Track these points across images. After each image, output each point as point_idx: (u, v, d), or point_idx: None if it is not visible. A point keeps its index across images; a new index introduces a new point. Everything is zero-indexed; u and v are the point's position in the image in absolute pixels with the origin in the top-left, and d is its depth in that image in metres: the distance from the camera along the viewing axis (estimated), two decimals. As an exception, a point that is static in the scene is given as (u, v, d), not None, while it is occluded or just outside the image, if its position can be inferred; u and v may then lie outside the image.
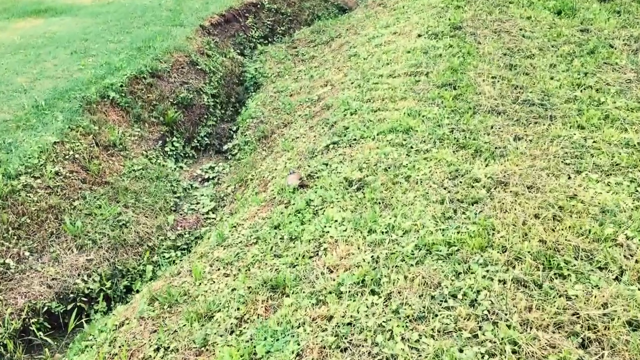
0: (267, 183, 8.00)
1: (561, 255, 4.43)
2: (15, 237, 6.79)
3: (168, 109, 10.46)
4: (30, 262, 6.65)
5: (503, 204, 5.20)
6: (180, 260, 7.24)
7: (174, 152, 10.14)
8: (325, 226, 5.56)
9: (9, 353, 5.94)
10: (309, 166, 7.13)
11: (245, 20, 15.25)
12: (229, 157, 10.43)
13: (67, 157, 8.08)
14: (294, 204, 6.28)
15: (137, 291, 6.93)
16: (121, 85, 10.11)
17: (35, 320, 6.21)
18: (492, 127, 6.71)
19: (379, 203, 5.67)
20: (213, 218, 8.34)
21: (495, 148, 6.23)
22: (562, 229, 4.75)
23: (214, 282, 5.40)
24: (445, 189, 5.63)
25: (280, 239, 5.71)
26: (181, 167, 9.98)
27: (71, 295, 6.46)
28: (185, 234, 7.96)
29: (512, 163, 5.87)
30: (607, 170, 5.60)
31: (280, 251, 5.48)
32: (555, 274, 4.26)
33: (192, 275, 5.59)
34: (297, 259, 5.23)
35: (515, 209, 5.08)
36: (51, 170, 7.63)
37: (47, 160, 7.78)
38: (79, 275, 6.64)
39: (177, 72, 11.40)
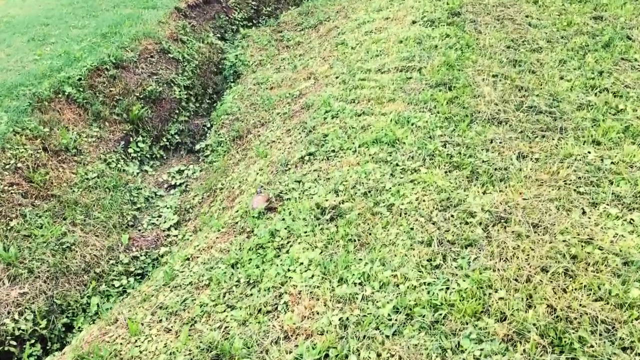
0: (235, 197, 7.07)
1: (574, 330, 3.52)
2: None
3: (133, 105, 9.47)
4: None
5: (503, 249, 4.27)
6: (126, 295, 6.35)
7: (139, 154, 9.18)
8: (289, 269, 4.66)
9: None
10: (279, 182, 6.20)
11: (227, 1, 14.13)
12: (201, 159, 9.46)
13: (7, 167, 7.13)
14: (256, 234, 5.35)
15: (80, 328, 6.05)
16: (79, 79, 9.12)
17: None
18: (491, 141, 5.75)
19: (355, 241, 4.76)
20: (175, 236, 7.42)
21: (495, 169, 5.28)
22: (576, 289, 3.83)
23: (152, 339, 4.50)
24: (434, 224, 4.71)
25: (236, 282, 4.81)
26: (146, 171, 9.04)
27: (-4, 340, 5.56)
28: (141, 255, 7.05)
29: (514, 191, 4.92)
30: (630, 202, 4.66)
31: (234, 300, 4.58)
32: (567, 359, 3.35)
33: (129, 327, 4.68)
34: (251, 314, 4.33)
35: (518, 258, 4.15)
36: (-15, 184, 6.68)
37: (-19, 172, 6.82)
38: (8, 313, 5.74)
39: (146, 62, 10.37)
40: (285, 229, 5.22)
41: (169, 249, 7.14)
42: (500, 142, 5.73)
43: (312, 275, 4.52)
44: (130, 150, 9.11)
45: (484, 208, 4.73)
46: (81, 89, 9.01)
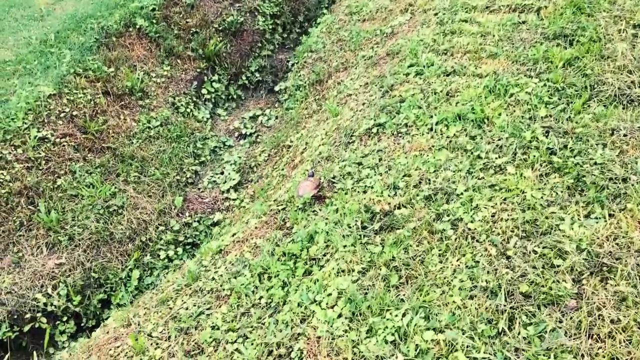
0: (296, 165, 6.17)
1: None
2: (-27, 233, 5.67)
3: (210, 38, 8.64)
4: (-13, 266, 5.52)
5: (597, 319, 3.04)
6: (178, 267, 5.82)
7: (213, 95, 8.46)
8: (314, 300, 3.75)
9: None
10: (337, 161, 5.18)
11: None
12: (279, 102, 8.56)
13: (61, 115, 6.70)
14: (293, 235, 4.46)
15: (118, 305, 5.66)
16: (153, 9, 8.40)
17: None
18: (612, 132, 4.27)
19: (400, 270, 3.71)
20: (233, 199, 6.73)
21: (609, 179, 3.88)
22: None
23: (153, 364, 3.88)
24: (508, 259, 3.54)
25: (257, 301, 4.02)
26: (218, 116, 8.32)
27: (28, 315, 5.29)
28: (194, 221, 6.47)
29: (631, 218, 3.56)
30: None
31: (248, 329, 3.80)
32: None
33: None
34: (259, 358, 3.53)
35: (615, 339, 2.92)
36: (35, 137, 6.30)
37: (34, 122, 6.44)
38: (42, 287, 5.44)
39: (228, -13, 9.39)
40: (326, 234, 4.26)
41: (225, 216, 6.48)
42: (625, 135, 4.23)
43: (340, 315, 3.59)
44: (203, 91, 8.41)
45: (581, 245, 3.44)
46: (154, 21, 8.31)
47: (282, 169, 6.48)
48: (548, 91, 4.89)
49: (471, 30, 6.35)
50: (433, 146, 4.76)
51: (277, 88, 8.73)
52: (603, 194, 3.77)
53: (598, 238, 3.49)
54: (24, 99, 6.60)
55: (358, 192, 4.63)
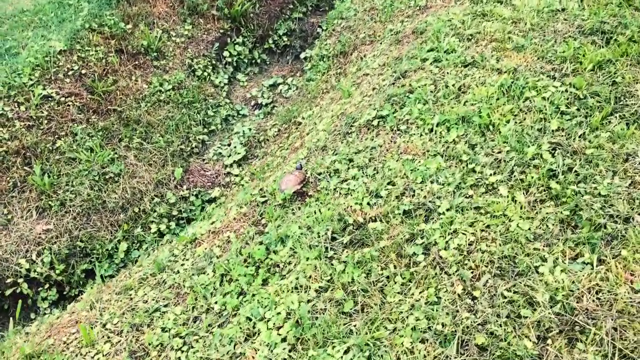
0: (298, 147, 5.86)
1: None
2: (-35, 191, 5.68)
3: (238, -3, 8.28)
4: (-24, 226, 5.54)
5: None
6: (169, 241, 5.71)
7: (234, 59, 8.15)
8: (263, 317, 3.52)
9: None
10: (330, 153, 4.84)
11: None
12: (303, 71, 8.18)
13: (69, 73, 6.57)
14: (267, 232, 4.21)
15: (102, 277, 5.61)
16: (181, -37, 8.06)
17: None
18: (627, 158, 3.75)
19: (357, 296, 3.41)
20: (236, 175, 6.50)
21: (609, 217, 3.41)
22: None
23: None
24: (473, 300, 3.18)
25: (210, 307, 3.81)
26: (238, 81, 8.03)
27: (10, 280, 5.31)
28: (191, 195, 6.30)
29: (622, 268, 3.12)
30: None
31: (194, 337, 3.62)
32: None
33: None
34: (195, 373, 3.36)
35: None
36: (40, 94, 6.21)
37: (40, 79, 6.34)
38: (26, 252, 5.42)
39: (264, -58, 8.92)
40: (297, 239, 3.98)
41: (223, 193, 6.28)
42: (642, 164, 3.71)
43: (284, 339, 3.34)
44: (225, 54, 8.11)
45: (557, 296, 3.03)
46: (180, -25, 7.98)
47: (286, 149, 6.18)
48: (567, 99, 4.34)
49: (503, 14, 5.74)
50: (428, 151, 4.34)
51: (303, 55, 8.32)
52: (598, 234, 3.31)
53: (578, 289, 3.06)
54: (33, 54, 6.49)
55: (340, 194, 4.30)
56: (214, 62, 7.93)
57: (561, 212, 3.49)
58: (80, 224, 5.72)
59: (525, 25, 5.43)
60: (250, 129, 7.12)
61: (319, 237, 3.92)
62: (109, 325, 4.06)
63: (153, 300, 4.16)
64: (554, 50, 4.94)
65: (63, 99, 6.40)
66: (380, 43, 6.98)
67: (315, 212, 4.20)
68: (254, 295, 3.75)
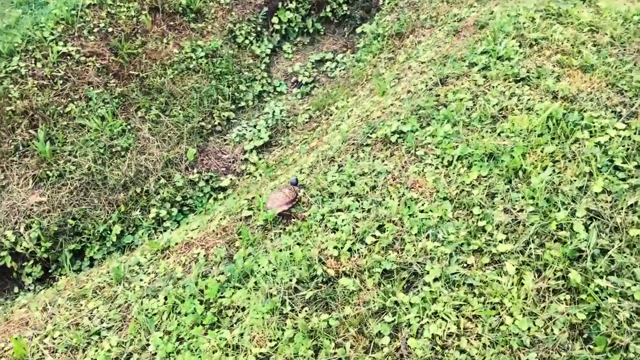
0: (316, 145, 5.21)
1: None
2: (-35, 150, 5.47)
3: (298, -43, 7.51)
4: (-30, 188, 5.34)
5: None
6: (171, 230, 5.31)
7: (284, 26, 7.45)
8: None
9: None
10: (335, 168, 4.17)
11: None
12: (354, 49, 7.37)
13: (95, 30, 6.17)
14: (233, 260, 3.66)
15: (91, 259, 5.30)
16: None
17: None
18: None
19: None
20: (253, 164, 5.94)
21: (638, 337, 2.59)
22: None
23: (21, 381, 3.42)
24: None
25: (144, 346, 3.34)
26: (283, 52, 7.36)
27: (-7, 252, 5.10)
28: (201, 180, 5.81)
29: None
30: None
31: (119, 379, 3.18)
32: None
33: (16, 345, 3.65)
34: None
35: None
36: (58, 52, 5.86)
37: (62, 34, 5.97)
38: (15, 223, 5.18)
39: None
40: (258, 279, 3.40)
41: (235, 183, 5.75)
42: None
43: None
44: (273, 20, 7.43)
45: None
46: None
47: (305, 144, 5.53)
48: (627, 150, 3.40)
49: (581, 17, 4.70)
50: (438, 191, 3.56)
51: (359, 30, 7.49)
52: (615, 357, 2.49)
53: None
54: (60, 5, 6.11)
55: (325, 227, 3.64)
56: (259, 28, 7.27)
57: (575, 316, 2.68)
58: (75, 200, 5.40)
59: (603, 37, 4.39)
60: (281, 111, 6.48)
61: (281, 283, 3.30)
62: (47, 340, 3.69)
63: (98, 318, 3.73)
64: (630, 77, 3.93)
65: (83, 58, 6.02)
66: (440, 29, 6.06)
67: (290, 247, 3.57)
68: (191, 342, 3.22)
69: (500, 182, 3.47)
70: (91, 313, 3.82)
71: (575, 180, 3.31)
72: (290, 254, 3.49)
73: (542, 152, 3.54)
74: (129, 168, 5.62)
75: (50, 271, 5.28)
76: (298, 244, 3.60)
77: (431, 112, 4.27)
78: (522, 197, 3.31)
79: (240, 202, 4.34)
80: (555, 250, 2.95)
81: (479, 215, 3.30)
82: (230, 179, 5.81)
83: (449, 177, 3.66)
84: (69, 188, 5.42)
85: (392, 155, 4.10)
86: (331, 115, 5.99)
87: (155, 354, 3.28)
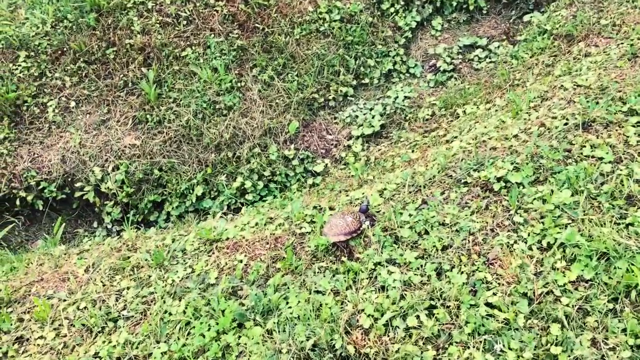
0: (415, 158, 4.56)
1: None
2: (77, 77, 5.51)
3: None
4: (74, 115, 5.41)
5: None
6: (251, 204, 5.08)
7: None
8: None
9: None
10: (417, 205, 3.56)
11: None
12: (514, 42, 6.34)
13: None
14: (264, 289, 3.29)
15: (168, 214, 5.23)
16: None
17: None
18: None
19: None
20: (354, 154, 5.41)
21: None
22: None
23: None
24: None
25: (145, 356, 3.13)
26: (431, 28, 6.53)
27: (79, 184, 5.17)
28: (296, 158, 5.41)
29: None
30: None
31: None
32: None
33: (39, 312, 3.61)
34: None
35: None
36: (187, -8, 5.64)
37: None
38: (105, 161, 5.20)
39: None
40: (274, 324, 2.99)
41: (328, 170, 5.29)
42: None
43: None
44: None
45: None
46: None
47: (411, 151, 4.86)
48: None
49: None
50: (518, 283, 2.83)
51: (526, 18, 6.41)
52: None
53: None
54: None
55: (371, 279, 3.09)
56: (406, -4, 6.47)
57: None
58: (166, 151, 5.27)
59: None
60: (405, 98, 5.78)
61: (296, 340, 2.84)
62: (71, 310, 3.60)
63: (123, 302, 3.56)
64: None
65: (213, 1, 5.73)
66: (617, 45, 4.94)
67: (325, 293, 3.08)
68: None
69: (602, 297, 2.65)
70: (120, 293, 3.66)
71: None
72: (320, 305, 3.00)
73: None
74: (227, 129, 5.34)
75: (127, 216, 5.26)
76: (336, 292, 3.09)
77: (553, 166, 3.42)
78: (624, 332, 2.50)
79: (305, 211, 3.87)
80: None
81: (556, 337, 2.55)
82: (326, 165, 5.34)
83: (541, 266, 2.89)
84: (164, 137, 5.28)
85: (486, 209, 3.36)
86: (456, 118, 5.21)
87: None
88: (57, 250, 4.51)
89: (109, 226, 5.27)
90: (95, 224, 5.39)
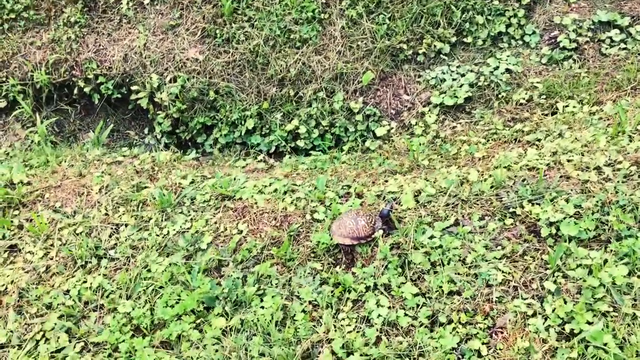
0: (482, 156, 3.96)
1: None
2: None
3: None
4: (147, 13, 5.16)
5: None
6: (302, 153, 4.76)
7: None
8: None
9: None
10: (451, 221, 3.07)
11: None
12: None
13: None
14: (246, 275, 3.02)
15: (215, 140, 5.00)
16: None
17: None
18: None
19: None
20: (424, 125, 4.80)
21: None
22: None
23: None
24: None
25: (110, 310, 3.02)
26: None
27: (135, 87, 5.01)
28: (362, 112, 4.91)
29: None
30: None
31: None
32: None
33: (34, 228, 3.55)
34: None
35: None
36: None
37: None
38: (165, 69, 4.99)
39: None
40: (238, 321, 2.72)
41: (390, 136, 4.76)
42: None
43: None
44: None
45: None
46: None
47: (492, 135, 4.20)
48: None
49: None
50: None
51: (689, 3, 5.21)
52: None
53: None
54: None
55: (356, 307, 2.70)
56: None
57: None
58: (227, 74, 4.95)
59: None
60: (505, 71, 4.96)
61: (242, 356, 2.55)
62: (66, 232, 3.50)
63: (116, 240, 3.41)
64: None
65: None
66: None
67: (302, 303, 2.73)
68: (131, 355, 2.73)
69: None
70: (116, 229, 3.50)
71: None
72: (293, 316, 2.66)
73: None
74: (295, 64, 4.89)
75: (176, 131, 5.07)
76: (316, 305, 2.73)
77: (622, 229, 2.74)
78: None
79: (330, 190, 3.44)
80: None
81: None
82: (389, 130, 4.78)
83: (551, 358, 2.35)
84: (228, 58, 4.94)
85: (521, 257, 2.78)
86: (553, 114, 4.41)
87: (101, 331, 2.88)
88: (92, 154, 4.43)
89: (159, 136, 5.11)
90: (146, 130, 5.26)
